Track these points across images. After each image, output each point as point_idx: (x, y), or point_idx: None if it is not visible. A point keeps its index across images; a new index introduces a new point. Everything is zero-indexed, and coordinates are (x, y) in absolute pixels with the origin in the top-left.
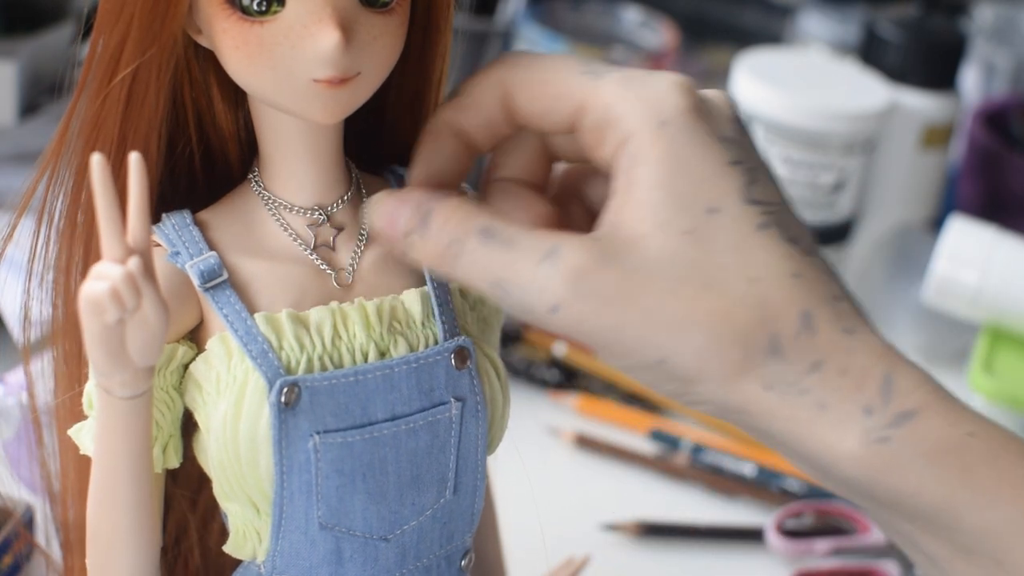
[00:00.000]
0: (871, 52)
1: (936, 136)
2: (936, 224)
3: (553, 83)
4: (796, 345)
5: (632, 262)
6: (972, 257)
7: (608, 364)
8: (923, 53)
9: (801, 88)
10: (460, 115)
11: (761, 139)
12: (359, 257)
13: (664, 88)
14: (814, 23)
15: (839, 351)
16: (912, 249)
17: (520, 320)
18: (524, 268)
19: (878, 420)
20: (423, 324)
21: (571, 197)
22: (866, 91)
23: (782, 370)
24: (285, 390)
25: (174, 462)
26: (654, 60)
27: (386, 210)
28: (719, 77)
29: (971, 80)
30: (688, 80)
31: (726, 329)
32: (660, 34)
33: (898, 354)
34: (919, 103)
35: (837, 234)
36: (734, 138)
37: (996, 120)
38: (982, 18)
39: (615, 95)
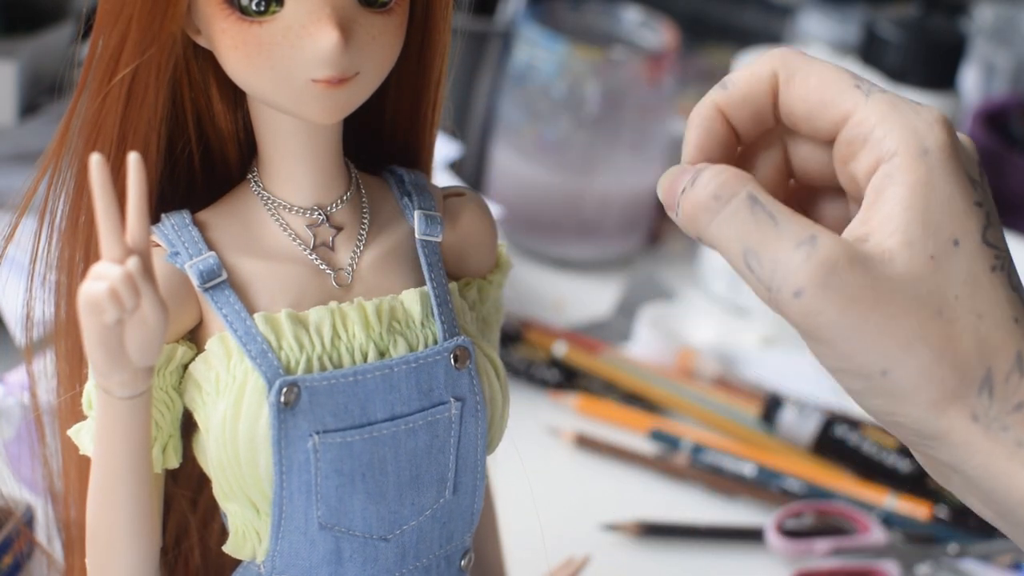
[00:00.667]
0: (871, 52)
1: None
2: None
3: (825, 88)
4: (1007, 383)
5: (880, 271)
6: None
7: (822, 362)
8: (923, 53)
9: None
10: (730, 102)
11: None
12: (358, 257)
13: (929, 120)
14: (814, 23)
15: None
16: None
17: (522, 321)
18: (781, 246)
19: None
20: (422, 324)
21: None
22: None
23: (990, 404)
24: (284, 390)
25: (174, 462)
26: (654, 60)
27: (670, 176)
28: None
29: (971, 80)
30: (947, 117)
31: (949, 354)
32: (660, 34)
33: None
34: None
35: None
36: (979, 181)
37: (996, 120)
38: (982, 18)
39: (883, 115)
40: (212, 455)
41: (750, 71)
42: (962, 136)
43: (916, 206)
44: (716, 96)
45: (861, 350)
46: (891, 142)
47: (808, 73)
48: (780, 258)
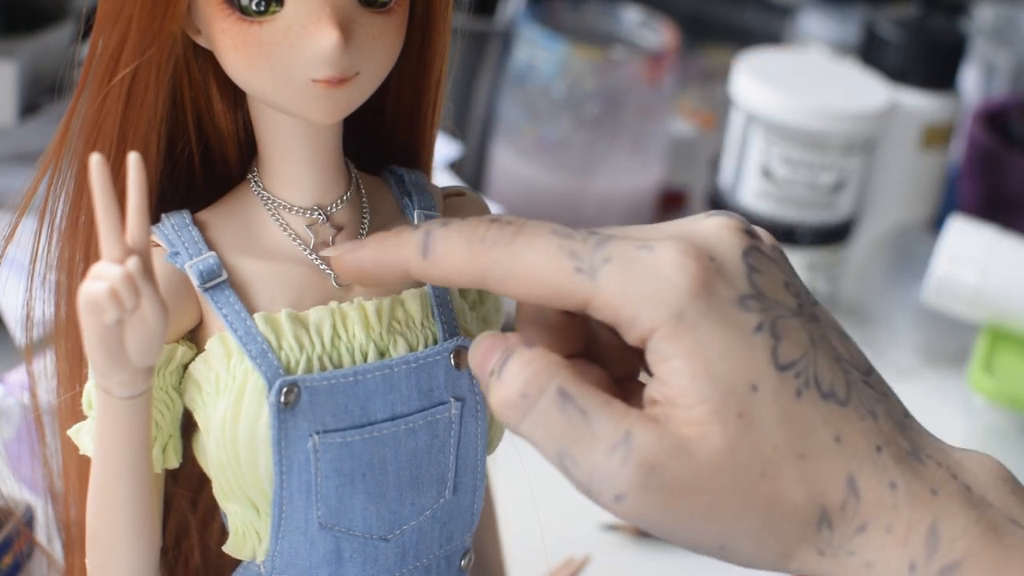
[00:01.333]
0: (871, 52)
1: (936, 136)
2: (936, 224)
3: (544, 283)
4: (843, 513)
5: (699, 455)
6: (972, 257)
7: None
8: (923, 53)
9: (801, 88)
10: (423, 276)
11: (761, 139)
12: None
13: (667, 272)
14: (814, 23)
15: (884, 509)
16: (912, 249)
17: None
18: (596, 448)
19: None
20: (422, 324)
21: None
22: (866, 91)
23: (831, 536)
24: (284, 390)
25: (174, 462)
26: (654, 60)
27: (480, 348)
28: (719, 77)
29: (971, 80)
30: (685, 242)
31: (779, 512)
32: (660, 34)
33: (950, 491)
34: (919, 103)
35: (837, 234)
36: (750, 293)
37: (996, 120)
38: (982, 18)
39: (619, 297)
40: (212, 455)
41: (454, 263)
42: (713, 229)
43: (700, 373)
44: (413, 261)
45: (692, 536)
46: (643, 322)
47: (524, 272)
48: (596, 462)
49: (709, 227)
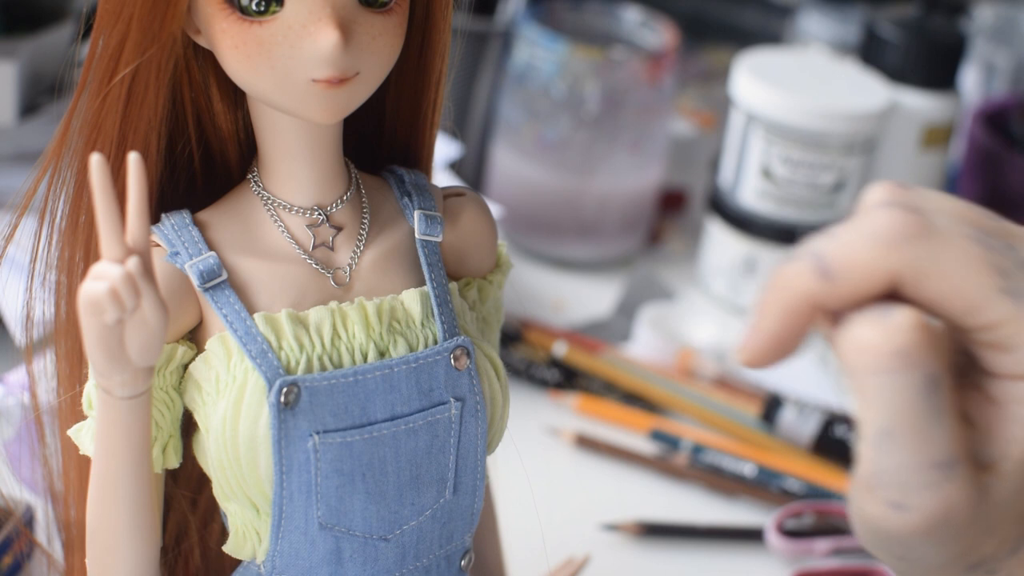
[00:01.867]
0: (871, 52)
1: (936, 136)
2: None
3: (966, 293)
4: (991, 564)
5: (987, 510)
6: None
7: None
8: (923, 53)
9: (801, 88)
10: (833, 298)
11: (761, 139)
12: (358, 257)
13: None
14: (814, 23)
15: None
16: None
17: (522, 321)
18: (921, 452)
19: None
20: (423, 324)
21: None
22: (866, 91)
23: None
24: (284, 390)
25: (174, 462)
26: (654, 60)
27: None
28: (719, 77)
29: (971, 80)
30: None
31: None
32: (660, 34)
33: None
34: (919, 103)
35: None
36: None
37: (996, 120)
38: (982, 18)
39: None
40: (212, 455)
41: (863, 266)
42: None
43: None
44: (814, 287)
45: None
46: None
47: (943, 275)
48: (912, 464)
49: None
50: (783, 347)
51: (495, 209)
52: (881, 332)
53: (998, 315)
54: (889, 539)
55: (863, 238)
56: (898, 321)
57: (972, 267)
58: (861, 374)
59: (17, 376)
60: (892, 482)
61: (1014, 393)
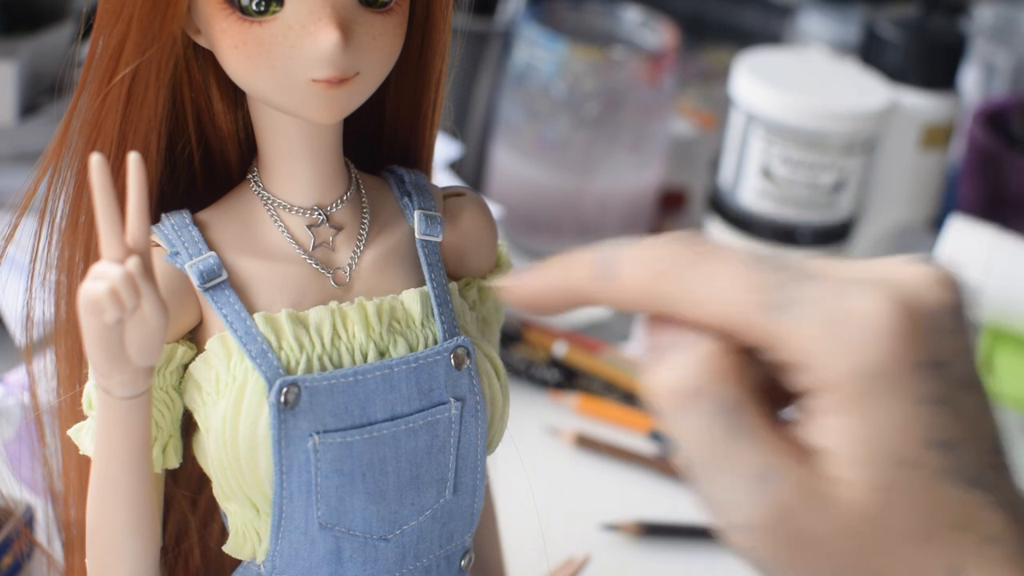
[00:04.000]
0: (871, 52)
1: (936, 136)
2: (936, 224)
3: (728, 313)
4: None
5: (836, 515)
6: (972, 257)
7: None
8: (923, 53)
9: (801, 88)
10: (599, 297)
11: (761, 139)
12: (358, 257)
13: (860, 328)
14: (814, 23)
15: None
16: (912, 249)
17: (522, 321)
18: (736, 472)
19: None
20: (423, 324)
21: None
22: (866, 91)
23: None
24: (284, 390)
25: (174, 462)
26: (654, 60)
27: (659, 322)
28: (719, 77)
29: (971, 80)
30: (889, 293)
31: None
32: (660, 34)
33: None
34: (919, 103)
35: (837, 234)
36: (938, 360)
37: (996, 120)
38: (982, 18)
39: (804, 342)
40: (212, 455)
41: (632, 281)
42: (924, 276)
43: (867, 438)
44: (586, 282)
45: None
46: (822, 372)
47: (709, 297)
48: (732, 484)
49: (916, 278)
50: (538, 307)
51: (495, 209)
52: (668, 373)
53: (763, 331)
54: (769, 568)
55: (642, 257)
56: (682, 359)
57: (736, 287)
58: (662, 414)
59: (17, 376)
60: (722, 506)
61: (815, 406)
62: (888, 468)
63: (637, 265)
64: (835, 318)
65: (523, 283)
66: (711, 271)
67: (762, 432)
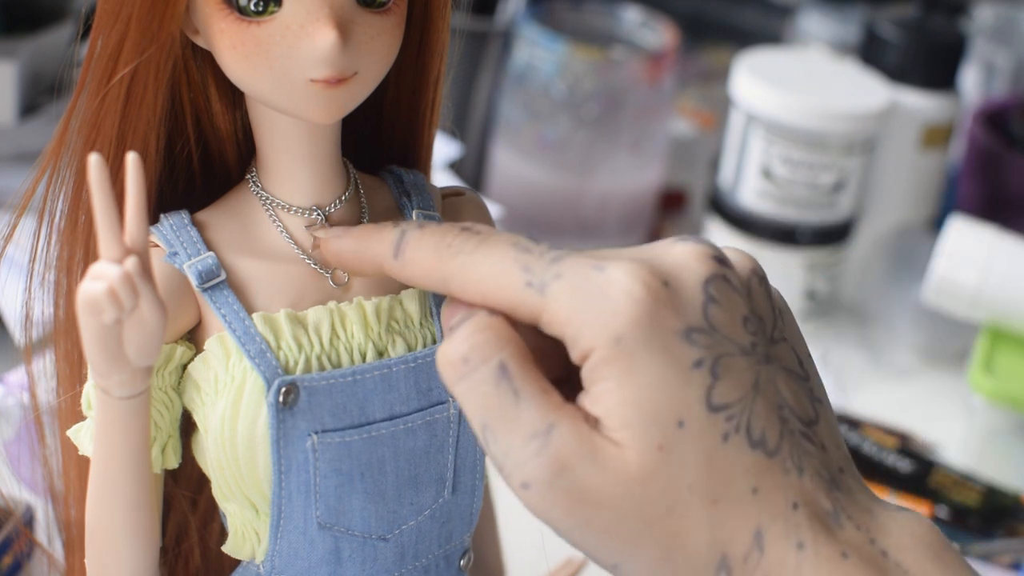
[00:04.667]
0: (871, 52)
1: (936, 136)
2: (936, 224)
3: (497, 294)
4: (745, 566)
5: (611, 473)
6: (972, 257)
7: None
8: (923, 53)
9: (801, 88)
10: (391, 272)
11: (761, 139)
12: None
13: (613, 294)
14: (814, 23)
15: (786, 568)
16: (912, 249)
17: None
18: (517, 432)
19: None
20: (421, 324)
21: None
22: (866, 91)
23: None
24: (283, 390)
25: (173, 462)
26: (654, 60)
27: (451, 303)
28: (719, 77)
29: (971, 80)
30: (641, 266)
31: (679, 551)
32: (660, 34)
33: (863, 555)
34: (919, 103)
35: (837, 234)
36: (700, 326)
37: (996, 120)
38: (982, 18)
39: (563, 315)
40: (211, 455)
41: (417, 265)
42: (679, 259)
43: (628, 401)
44: (381, 259)
45: (589, 545)
46: (584, 340)
47: (480, 280)
48: (513, 444)
49: (675, 253)
50: (345, 266)
51: (495, 209)
52: (448, 345)
53: (529, 308)
54: (556, 527)
55: (428, 240)
56: (458, 332)
57: (503, 269)
58: (449, 386)
59: (17, 376)
60: (510, 467)
61: (586, 376)
62: (659, 429)
63: (421, 247)
64: (591, 290)
65: (334, 242)
66: (484, 254)
67: (543, 394)
